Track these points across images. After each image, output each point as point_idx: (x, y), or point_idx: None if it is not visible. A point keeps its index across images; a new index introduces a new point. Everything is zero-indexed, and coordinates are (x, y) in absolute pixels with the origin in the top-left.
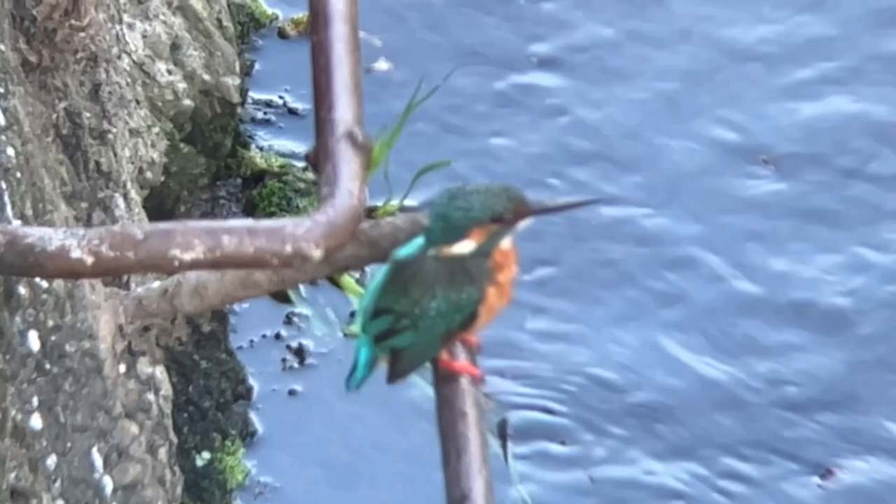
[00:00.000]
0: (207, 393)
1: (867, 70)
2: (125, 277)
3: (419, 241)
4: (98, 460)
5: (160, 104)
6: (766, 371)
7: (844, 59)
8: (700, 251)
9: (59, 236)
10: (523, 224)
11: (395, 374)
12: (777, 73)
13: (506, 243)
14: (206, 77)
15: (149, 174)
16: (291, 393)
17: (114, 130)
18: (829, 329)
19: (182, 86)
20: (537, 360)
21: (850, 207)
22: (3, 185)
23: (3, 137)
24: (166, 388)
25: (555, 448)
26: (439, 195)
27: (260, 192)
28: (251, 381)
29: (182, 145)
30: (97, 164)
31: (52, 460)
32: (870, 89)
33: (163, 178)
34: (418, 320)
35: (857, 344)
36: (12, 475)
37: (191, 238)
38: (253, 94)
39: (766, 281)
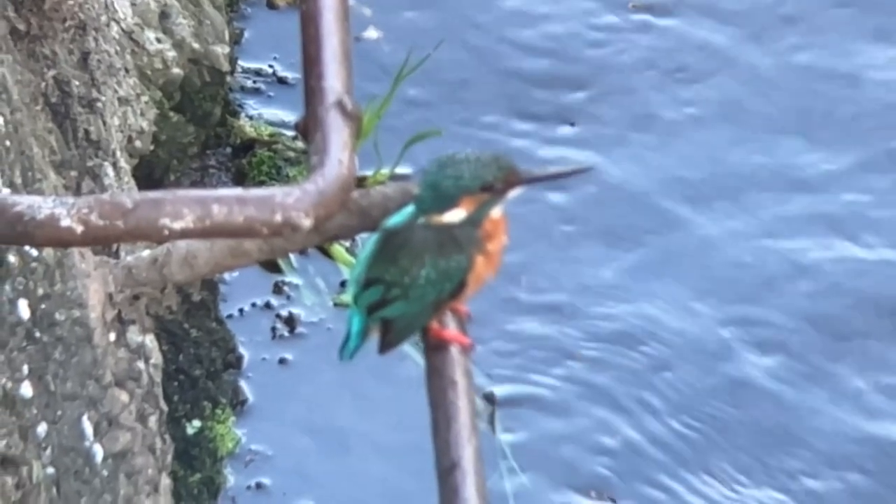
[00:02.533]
0: (198, 361)
1: None
2: (115, 246)
3: (409, 209)
4: (88, 428)
5: (149, 73)
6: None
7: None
8: (690, 214)
9: (49, 205)
10: (513, 193)
11: (386, 344)
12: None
13: (496, 212)
14: (196, 45)
15: (138, 143)
16: (282, 361)
17: (103, 99)
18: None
19: (171, 54)
20: (526, 329)
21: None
22: None
23: None
24: (156, 357)
25: (541, 417)
26: (430, 163)
27: (250, 161)
28: (241, 349)
29: (171, 114)
30: (86, 132)
31: (42, 428)
32: None
33: (152, 147)
34: (408, 289)
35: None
36: (3, 443)
37: (180, 207)
38: (242, 63)
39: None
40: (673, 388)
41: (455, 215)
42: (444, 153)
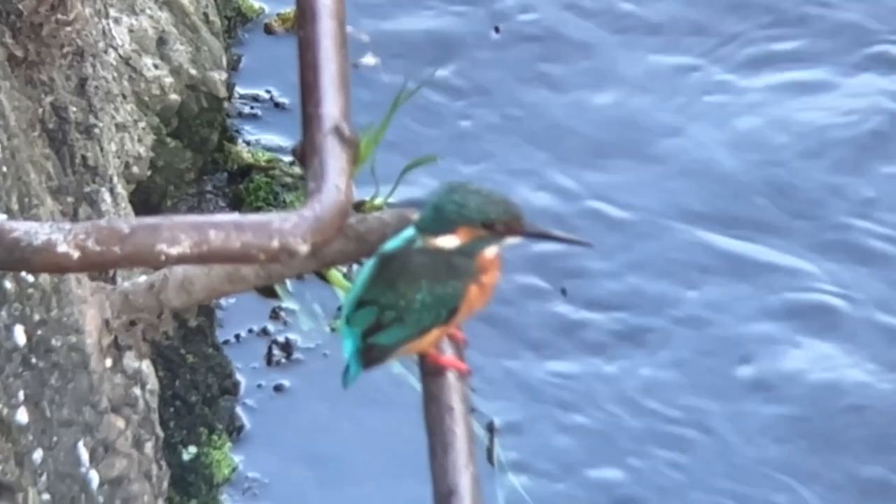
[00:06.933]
0: (194, 387)
1: None
2: (111, 272)
3: (406, 233)
4: (84, 455)
5: (147, 99)
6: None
7: None
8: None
9: (46, 230)
10: (511, 241)
11: (369, 362)
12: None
13: (490, 252)
14: (193, 71)
15: (135, 169)
16: (278, 388)
17: (100, 125)
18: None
19: (168, 80)
20: (525, 357)
21: None
22: None
23: None
24: (153, 383)
25: (541, 444)
26: (442, 185)
27: (247, 187)
28: (238, 375)
29: (169, 140)
30: (83, 158)
31: (38, 455)
32: None
33: (149, 173)
34: (404, 313)
35: None
36: None
37: (177, 233)
38: (239, 89)
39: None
40: (679, 417)
41: (449, 241)
42: (459, 180)
